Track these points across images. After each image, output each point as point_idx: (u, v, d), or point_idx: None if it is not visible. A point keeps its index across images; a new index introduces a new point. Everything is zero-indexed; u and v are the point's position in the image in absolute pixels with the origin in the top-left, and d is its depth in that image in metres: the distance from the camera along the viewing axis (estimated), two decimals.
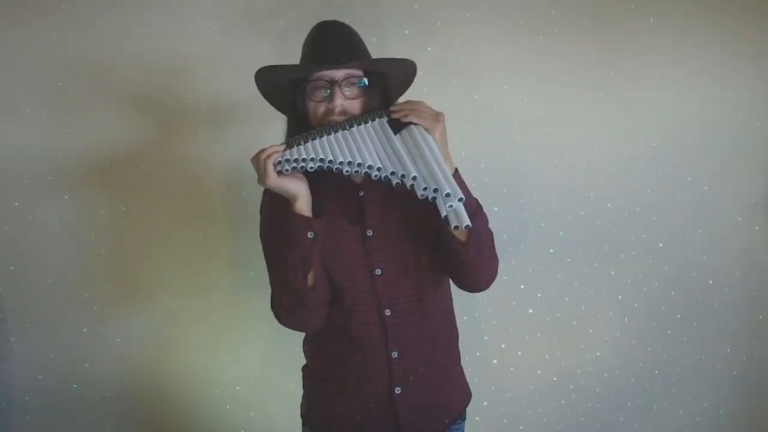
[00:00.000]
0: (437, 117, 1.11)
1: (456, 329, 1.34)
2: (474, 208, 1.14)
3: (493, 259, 1.20)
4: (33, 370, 1.76)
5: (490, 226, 1.20)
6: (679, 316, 1.92)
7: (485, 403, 1.87)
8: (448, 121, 1.13)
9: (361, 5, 1.70)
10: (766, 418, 2.01)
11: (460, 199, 1.00)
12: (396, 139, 1.10)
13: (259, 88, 1.24)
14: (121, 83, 1.70)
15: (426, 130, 1.09)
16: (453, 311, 1.32)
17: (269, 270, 1.22)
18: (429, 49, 1.71)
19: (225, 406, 1.81)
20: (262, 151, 1.11)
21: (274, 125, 1.20)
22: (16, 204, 1.72)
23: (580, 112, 1.81)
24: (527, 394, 1.90)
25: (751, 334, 1.97)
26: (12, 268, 1.73)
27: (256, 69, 1.29)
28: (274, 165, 1.09)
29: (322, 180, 1.13)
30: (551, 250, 1.85)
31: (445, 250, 1.15)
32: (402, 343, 1.20)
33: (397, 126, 1.12)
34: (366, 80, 1.17)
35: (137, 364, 1.78)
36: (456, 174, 1.13)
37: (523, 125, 1.80)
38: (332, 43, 1.18)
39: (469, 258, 1.14)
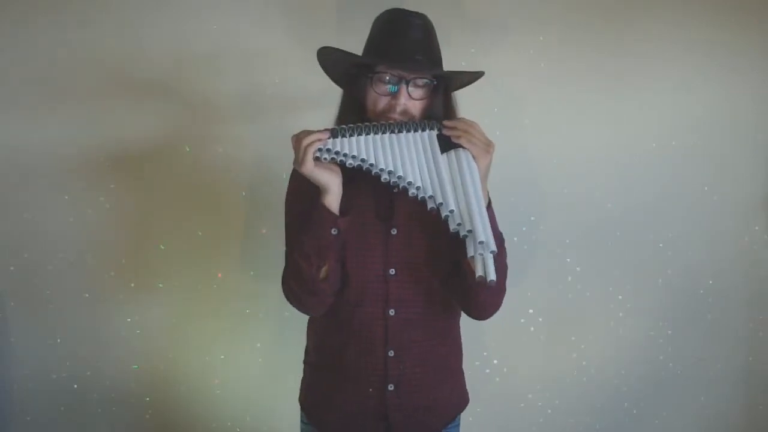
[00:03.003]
0: (488, 147, 1.08)
1: (459, 336, 1.33)
2: (498, 244, 1.11)
3: (500, 294, 1.19)
4: (33, 370, 1.76)
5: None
6: (679, 316, 1.92)
7: (483, 406, 1.87)
8: None
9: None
10: (766, 419, 2.01)
11: (492, 252, 0.99)
12: (441, 159, 1.07)
13: (319, 62, 1.22)
14: (128, 79, 1.69)
15: (473, 157, 1.07)
16: (459, 318, 1.31)
17: (286, 245, 1.21)
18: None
19: (226, 404, 1.81)
20: (306, 134, 1.07)
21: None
22: (17, 202, 1.71)
23: (580, 113, 1.82)
24: (526, 396, 1.90)
25: (751, 334, 1.97)
26: (12, 268, 1.73)
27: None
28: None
29: (359, 171, 1.09)
30: (551, 251, 1.85)
31: (459, 276, 1.15)
32: (400, 343, 1.19)
33: (446, 144, 1.08)
34: (434, 81, 1.15)
35: (138, 364, 1.78)
36: (489, 206, 1.11)
37: (522, 126, 1.80)
38: (411, 40, 1.14)
39: (480, 291, 1.13)
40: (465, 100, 1.28)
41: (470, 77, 1.22)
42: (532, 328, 1.87)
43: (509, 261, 1.18)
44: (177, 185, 1.74)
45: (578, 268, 1.86)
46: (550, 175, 1.82)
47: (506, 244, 1.18)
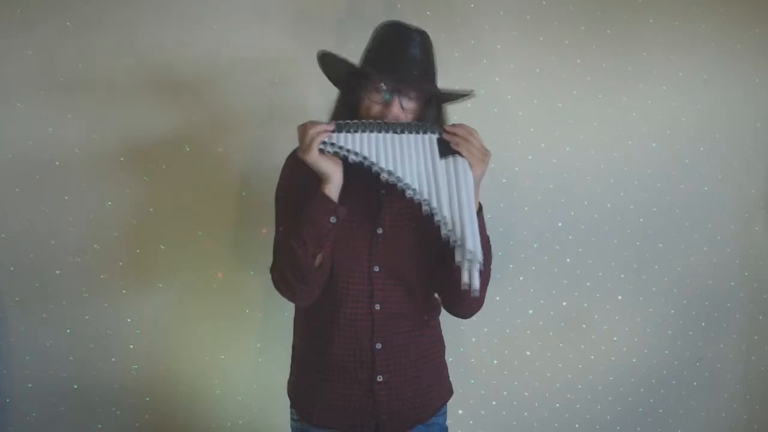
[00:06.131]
0: (485, 157, 1.12)
1: (440, 328, 1.36)
2: (484, 247, 1.13)
3: (483, 295, 1.21)
4: (33, 370, 1.76)
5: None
6: (679, 316, 1.92)
7: (482, 407, 1.87)
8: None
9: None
10: (767, 419, 2.01)
11: (479, 262, 1.04)
12: (440, 164, 1.10)
13: (320, 65, 1.24)
14: (128, 81, 1.69)
15: (470, 165, 1.11)
16: (439, 311, 1.34)
17: (276, 233, 1.23)
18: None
19: (226, 404, 1.81)
20: (313, 124, 1.11)
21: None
22: (18, 202, 1.71)
23: (581, 113, 1.82)
24: (525, 396, 1.90)
25: (751, 335, 1.97)
26: (12, 268, 1.73)
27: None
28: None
29: (352, 168, 1.13)
30: (550, 252, 1.85)
31: (443, 275, 1.18)
32: (387, 336, 1.22)
33: (444, 148, 1.11)
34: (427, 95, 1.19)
35: (138, 364, 1.78)
36: (479, 212, 1.15)
37: (522, 125, 1.80)
38: (409, 56, 1.17)
39: (464, 296, 1.14)
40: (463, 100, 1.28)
41: (462, 94, 1.25)
42: (531, 329, 1.87)
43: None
44: (177, 185, 1.74)
45: (578, 269, 1.86)
46: (549, 176, 1.82)
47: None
